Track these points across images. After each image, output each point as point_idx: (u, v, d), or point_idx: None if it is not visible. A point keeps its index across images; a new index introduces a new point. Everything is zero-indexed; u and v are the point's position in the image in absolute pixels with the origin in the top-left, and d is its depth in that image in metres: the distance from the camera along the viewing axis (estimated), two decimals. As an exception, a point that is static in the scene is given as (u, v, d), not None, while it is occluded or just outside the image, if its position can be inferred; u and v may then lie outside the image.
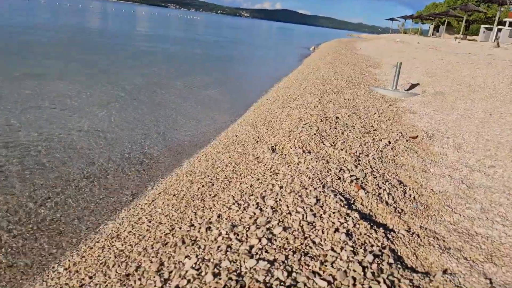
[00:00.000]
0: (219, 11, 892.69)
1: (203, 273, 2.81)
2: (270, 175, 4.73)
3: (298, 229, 3.35)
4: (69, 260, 3.69)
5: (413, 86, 12.03)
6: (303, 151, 5.46)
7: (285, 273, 2.73)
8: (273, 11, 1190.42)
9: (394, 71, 11.23)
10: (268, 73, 19.62)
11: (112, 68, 15.08)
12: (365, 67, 17.67)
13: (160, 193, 5.08)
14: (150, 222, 4.12)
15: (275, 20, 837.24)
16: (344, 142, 5.99)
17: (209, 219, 3.77)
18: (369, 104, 9.23)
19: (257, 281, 2.66)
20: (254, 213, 3.67)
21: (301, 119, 7.29)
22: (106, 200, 5.01)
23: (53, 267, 3.59)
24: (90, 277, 3.21)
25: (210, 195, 4.54)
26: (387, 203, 4.12)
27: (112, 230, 4.17)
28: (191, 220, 3.89)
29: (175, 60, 21.02)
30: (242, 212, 3.73)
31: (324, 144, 5.78)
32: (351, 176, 4.66)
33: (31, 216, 4.46)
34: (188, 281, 2.73)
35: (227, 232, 3.36)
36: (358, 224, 3.48)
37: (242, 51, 33.18)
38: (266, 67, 23.37)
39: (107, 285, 3.01)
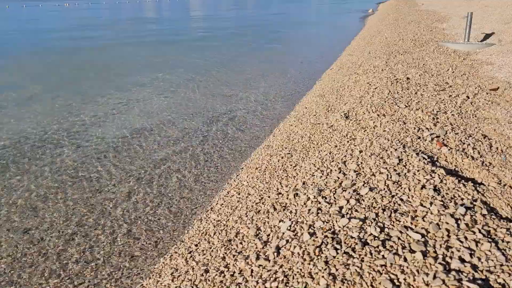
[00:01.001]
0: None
1: (299, 234, 3.02)
2: (348, 141, 4.81)
3: (384, 189, 3.43)
4: (172, 233, 4.11)
5: (487, 36, 11.22)
6: (378, 115, 5.44)
7: (378, 229, 2.86)
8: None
9: (465, 22, 10.55)
10: (327, 43, 19.25)
11: (189, 52, 15.72)
12: (430, 23, 16.70)
13: (242, 168, 5.38)
14: (239, 194, 4.43)
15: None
16: (419, 102, 5.86)
17: (295, 186, 3.97)
18: (441, 61, 8.82)
19: (352, 237, 2.82)
20: (338, 177, 3.81)
21: (370, 84, 7.20)
22: (193, 178, 5.41)
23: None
24: (196, 245, 3.58)
25: (291, 165, 4.74)
26: (472, 157, 4.05)
27: (206, 205, 4.54)
28: (278, 189, 4.12)
29: (232, 40, 21.31)
30: (326, 178, 3.89)
31: (398, 106, 5.71)
32: (431, 134, 4.60)
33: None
34: (287, 241, 2.96)
35: (315, 196, 3.54)
36: (445, 179, 3.48)
37: (296, 25, 32.65)
38: (324, 38, 22.89)
39: (212, 250, 3.34)
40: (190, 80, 11.09)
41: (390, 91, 6.46)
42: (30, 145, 6.56)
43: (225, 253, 3.19)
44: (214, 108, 8.42)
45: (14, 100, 9.34)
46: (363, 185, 3.54)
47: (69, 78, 12.07)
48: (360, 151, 4.33)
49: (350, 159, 4.18)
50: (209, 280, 2.86)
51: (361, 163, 4.01)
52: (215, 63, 13.77)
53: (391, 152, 4.11)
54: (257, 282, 2.60)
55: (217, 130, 7.16)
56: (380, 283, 2.38)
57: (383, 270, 2.48)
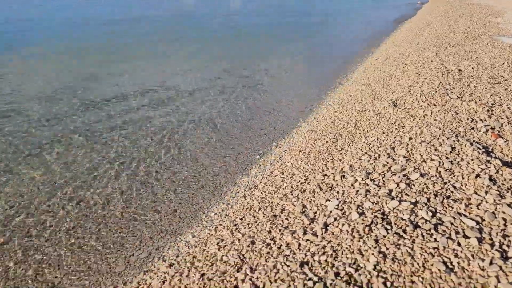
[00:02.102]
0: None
1: (347, 213, 3.01)
2: (396, 128, 4.71)
3: (435, 175, 3.35)
4: (216, 208, 4.19)
5: (547, 31, 10.60)
6: (428, 104, 5.29)
7: (429, 213, 2.80)
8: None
9: (524, 16, 9.98)
10: (372, 33, 18.80)
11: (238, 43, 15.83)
12: (483, 17, 15.94)
13: (285, 150, 5.38)
14: (283, 174, 4.45)
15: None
16: (472, 94, 5.65)
17: (341, 169, 3.94)
18: (495, 55, 8.42)
19: (402, 219, 2.78)
20: (387, 162, 3.75)
21: (419, 74, 6.99)
22: (236, 159, 5.47)
23: (205, 216, 4.10)
24: (241, 218, 3.63)
25: (336, 149, 4.70)
26: (530, 151, 3.87)
27: (248, 183, 4.59)
28: (323, 170, 4.11)
29: (273, 31, 21.19)
30: (374, 162, 3.84)
31: (449, 97, 5.52)
32: (485, 126, 4.43)
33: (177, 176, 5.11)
34: (335, 219, 2.96)
35: (362, 178, 3.51)
36: (501, 170, 3.36)
37: (339, 14, 32.03)
38: (368, 27, 22.36)
39: (258, 223, 3.39)
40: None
41: (441, 82, 6.25)
42: (81, 118, 6.83)
43: (271, 227, 3.22)
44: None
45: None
46: (413, 170, 3.47)
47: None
48: (410, 138, 4.24)
49: (399, 145, 4.10)
50: (255, 251, 2.91)
51: (411, 149, 3.93)
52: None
53: (443, 140, 3.99)
54: (305, 255, 2.62)
55: (252, 112, 7.20)
56: (432, 265, 2.34)
57: (436, 252, 2.44)
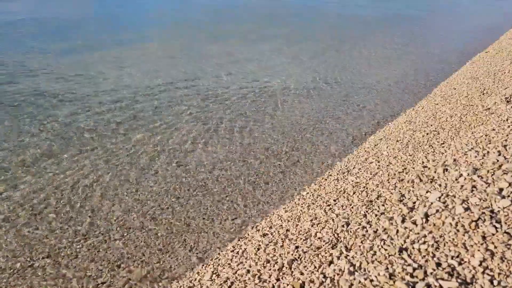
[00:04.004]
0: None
1: (450, 206, 2.91)
2: (508, 126, 4.37)
3: (556, 179, 3.08)
4: (308, 187, 4.28)
5: None
6: (548, 103, 4.81)
7: (546, 217, 2.60)
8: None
9: None
10: (482, 25, 17.29)
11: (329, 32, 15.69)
12: None
13: (381, 139, 5.27)
14: (378, 162, 4.38)
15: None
16: None
17: (444, 162, 3.78)
18: None
19: (514, 220, 2.62)
20: (497, 160, 3.52)
21: (539, 70, 6.34)
22: (329, 142, 5.48)
23: (297, 194, 4.22)
24: (334, 200, 3.68)
25: (438, 142, 4.50)
26: None
27: (342, 167, 4.60)
28: (423, 162, 3.97)
29: (373, 22, 20.40)
30: (482, 158, 3.62)
31: None
32: None
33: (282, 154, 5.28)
34: (437, 210, 2.88)
35: (469, 174, 3.34)
36: None
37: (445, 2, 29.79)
38: (478, 18, 20.55)
39: (352, 206, 3.41)
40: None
41: None
42: (183, 91, 7.29)
43: (366, 211, 3.23)
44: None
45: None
46: (529, 171, 3.22)
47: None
48: (525, 138, 3.91)
49: (511, 144, 3.81)
50: (350, 232, 2.95)
51: (527, 149, 3.63)
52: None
53: None
54: (404, 242, 2.60)
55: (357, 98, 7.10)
56: (547, 270, 2.19)
57: (552, 258, 2.27)
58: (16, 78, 7.63)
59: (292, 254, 2.86)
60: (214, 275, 3.05)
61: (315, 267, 2.64)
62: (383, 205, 3.27)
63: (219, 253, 3.39)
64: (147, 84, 7.63)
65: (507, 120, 4.60)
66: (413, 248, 2.53)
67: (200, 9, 20.41)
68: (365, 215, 3.17)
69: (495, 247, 2.40)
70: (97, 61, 9.12)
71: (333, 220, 3.26)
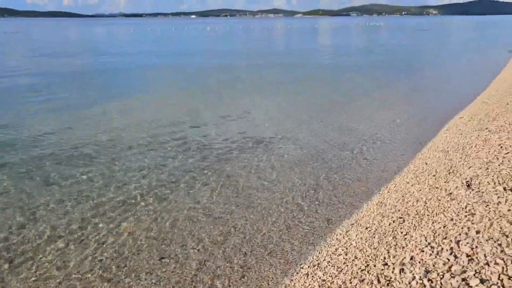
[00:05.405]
0: (403, 13, 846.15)
1: (399, 317, 3.14)
2: (465, 216, 4.67)
3: (497, 283, 3.34)
4: (280, 285, 4.50)
5: None
6: (504, 189, 5.14)
7: (483, 330, 2.84)
8: (467, 4, 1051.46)
9: None
10: (462, 85, 18.10)
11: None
12: None
13: (353, 224, 5.56)
14: (346, 254, 4.64)
15: (470, 14, 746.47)
16: (557, 177, 5.36)
17: (402, 259, 4.05)
18: None
19: (453, 333, 2.85)
20: (448, 259, 3.79)
21: (501, 147, 6.75)
22: (305, 226, 5.75)
23: (268, 285, 4.43)
24: (300, 302, 3.90)
25: (401, 232, 4.79)
26: None
27: (313, 258, 4.85)
28: (385, 258, 4.23)
29: (352, 75, 21.34)
30: (436, 257, 3.89)
31: (530, 180, 5.31)
32: None
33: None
34: (386, 322, 3.11)
35: (420, 277, 3.59)
36: None
37: (429, 57, 31.17)
38: (459, 77, 21.49)
39: (315, 312, 3.63)
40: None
41: (524, 160, 6.00)
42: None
43: (326, 318, 3.45)
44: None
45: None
46: (474, 275, 3.48)
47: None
48: (477, 232, 4.20)
49: (464, 240, 4.10)
50: None
51: (476, 247, 3.91)
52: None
53: (511, 240, 3.92)
54: None
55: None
56: None
57: None
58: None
59: None
60: None
61: None
62: (342, 311, 3.49)
63: None
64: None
65: (465, 207, 4.91)
66: None
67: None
68: (324, 323, 3.39)
69: None
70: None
71: (296, 327, 3.47)
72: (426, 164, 7.27)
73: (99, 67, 25.43)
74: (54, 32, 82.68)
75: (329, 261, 4.61)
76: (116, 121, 11.59)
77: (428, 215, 5.07)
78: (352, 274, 4.12)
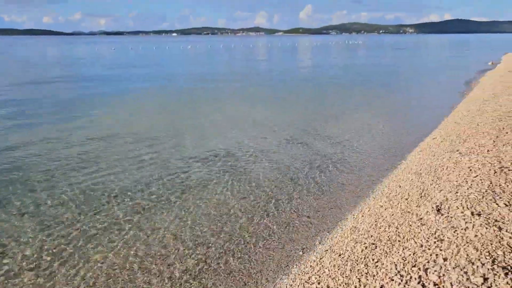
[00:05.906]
0: (381, 31, 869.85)
1: None
2: (434, 242, 4.76)
3: (462, 313, 3.40)
4: (253, 313, 4.47)
5: None
6: (472, 213, 5.27)
7: None
8: (442, 23, 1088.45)
9: None
10: (437, 102, 18.57)
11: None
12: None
13: (327, 250, 5.59)
14: (319, 283, 4.65)
15: (444, 32, 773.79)
16: (522, 200, 5.53)
17: (372, 289, 4.08)
18: (560, 144, 8.07)
19: None
20: (416, 289, 3.84)
21: (471, 170, 6.93)
22: (279, 253, 5.76)
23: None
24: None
25: (373, 259, 4.84)
26: None
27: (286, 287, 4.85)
28: (355, 287, 4.26)
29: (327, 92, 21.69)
30: (404, 287, 3.94)
31: (497, 204, 5.45)
32: (528, 248, 4.35)
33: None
34: None
35: (389, 308, 3.63)
36: (533, 313, 3.32)
37: (404, 75, 31.94)
38: (433, 94, 22.06)
39: None
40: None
41: (491, 183, 6.17)
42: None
43: None
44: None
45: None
46: (440, 305, 3.54)
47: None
48: (445, 259, 4.28)
49: (432, 267, 4.17)
50: None
51: (443, 275, 3.98)
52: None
53: (477, 267, 4.01)
54: None
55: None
56: None
57: None
58: None
59: None
60: None
61: None
62: None
63: None
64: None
65: (434, 233, 5.00)
66: None
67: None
68: None
69: None
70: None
71: None
72: (400, 187, 7.39)
73: (79, 95, 25.22)
74: (31, 52, 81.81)
75: (302, 291, 4.62)
76: (87, 145, 11.48)
77: (399, 241, 5.15)
78: (323, 305, 4.13)
